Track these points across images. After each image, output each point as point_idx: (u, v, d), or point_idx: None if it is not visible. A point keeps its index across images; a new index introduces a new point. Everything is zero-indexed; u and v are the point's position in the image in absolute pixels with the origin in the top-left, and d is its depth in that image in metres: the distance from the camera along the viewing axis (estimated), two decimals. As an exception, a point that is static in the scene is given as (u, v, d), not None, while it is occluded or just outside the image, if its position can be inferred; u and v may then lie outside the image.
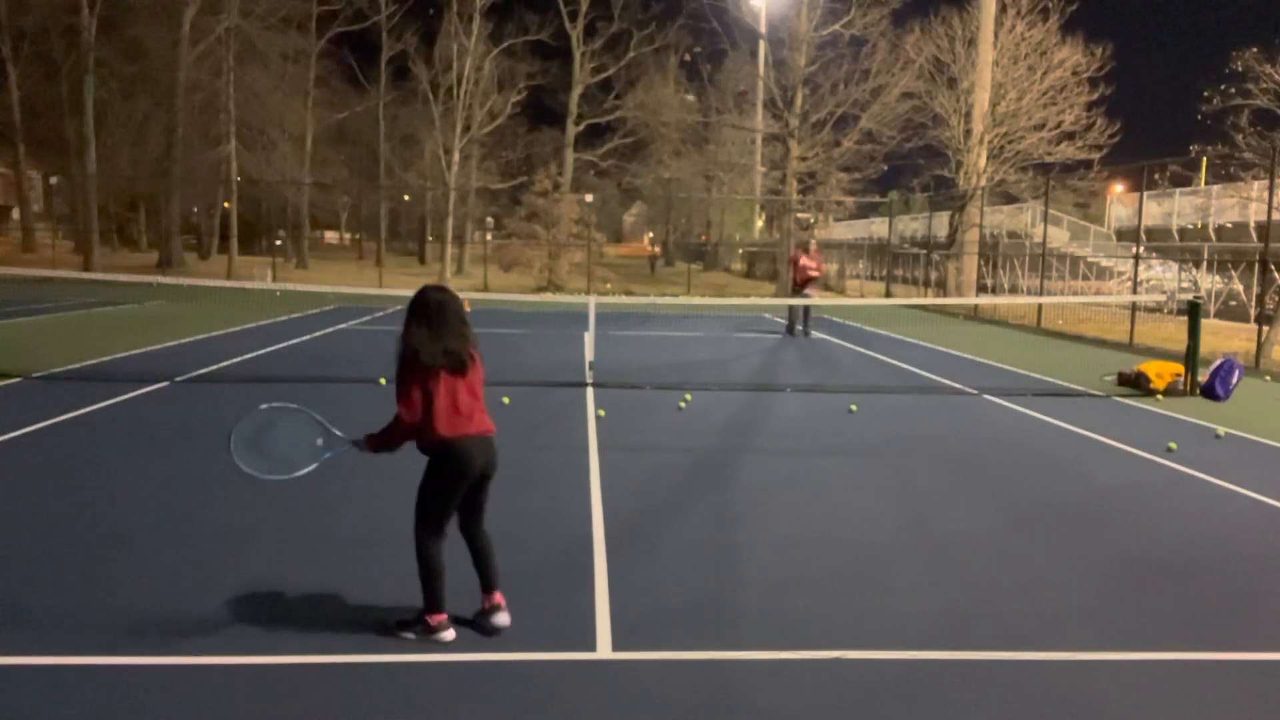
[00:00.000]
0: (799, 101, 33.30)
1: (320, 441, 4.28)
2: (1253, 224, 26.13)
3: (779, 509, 6.39)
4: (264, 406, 4.44)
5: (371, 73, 51.62)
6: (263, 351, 14.01)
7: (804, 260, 18.70)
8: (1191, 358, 12.19)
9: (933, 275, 32.77)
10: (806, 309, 19.11)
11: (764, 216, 61.44)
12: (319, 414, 4.33)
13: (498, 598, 4.27)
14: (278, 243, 47.22)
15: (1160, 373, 12.19)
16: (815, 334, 19.21)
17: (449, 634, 4.14)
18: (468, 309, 4.32)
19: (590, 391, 11.00)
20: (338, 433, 4.27)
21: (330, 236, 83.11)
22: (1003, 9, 28.96)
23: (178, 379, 11.06)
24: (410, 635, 4.14)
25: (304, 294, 26.14)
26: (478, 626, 4.23)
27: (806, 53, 32.68)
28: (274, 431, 4.33)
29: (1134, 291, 22.00)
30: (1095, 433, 9.35)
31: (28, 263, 36.01)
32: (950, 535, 5.89)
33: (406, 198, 56.74)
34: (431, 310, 4.12)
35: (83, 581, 4.71)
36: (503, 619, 4.24)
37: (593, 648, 4.11)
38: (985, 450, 8.49)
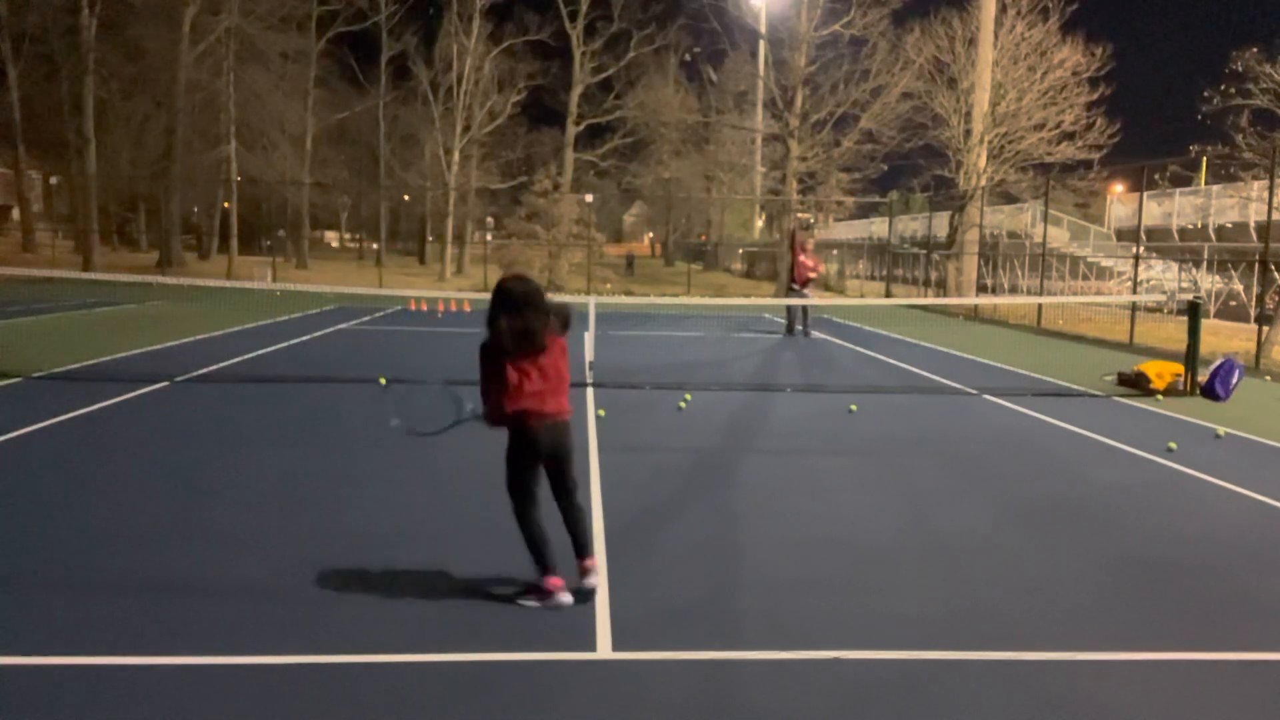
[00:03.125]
0: (799, 101, 33.28)
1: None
2: (1253, 224, 26.12)
3: (779, 509, 6.39)
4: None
5: (371, 73, 51.70)
6: (263, 351, 14.01)
7: (803, 258, 18.64)
8: (1191, 358, 12.19)
9: (933, 275, 32.77)
10: (805, 309, 19.10)
11: (764, 217, 61.43)
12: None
13: (589, 562, 4.63)
14: (280, 234, 47.18)
15: (1160, 373, 12.19)
16: (815, 334, 19.20)
17: (565, 597, 4.49)
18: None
19: (590, 391, 11.00)
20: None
21: (330, 237, 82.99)
22: (1003, 9, 28.95)
23: (178, 379, 11.06)
24: (532, 603, 4.49)
25: (304, 294, 26.15)
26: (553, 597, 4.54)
27: (806, 53, 32.67)
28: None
29: (1134, 291, 22.00)
30: (1095, 433, 9.35)
31: (28, 263, 35.96)
32: (950, 535, 5.89)
33: (406, 198, 56.74)
34: (513, 299, 4.42)
35: (82, 581, 4.71)
36: (591, 580, 4.60)
37: (593, 648, 4.11)
38: (985, 450, 8.49)
